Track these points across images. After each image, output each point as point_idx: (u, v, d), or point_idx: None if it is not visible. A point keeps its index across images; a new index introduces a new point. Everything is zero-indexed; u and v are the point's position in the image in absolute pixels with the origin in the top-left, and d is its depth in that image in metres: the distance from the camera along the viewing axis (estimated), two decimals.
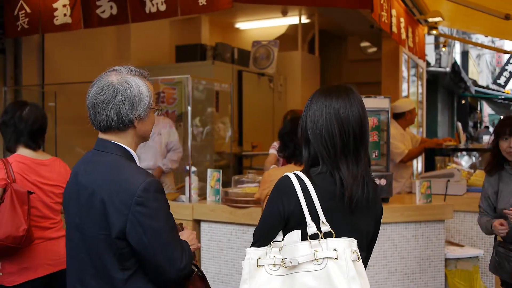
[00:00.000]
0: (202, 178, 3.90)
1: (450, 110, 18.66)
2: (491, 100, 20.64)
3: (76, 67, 5.65)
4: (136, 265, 1.71)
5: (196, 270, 1.87)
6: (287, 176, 1.66)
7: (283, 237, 1.65)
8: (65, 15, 4.29)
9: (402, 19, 5.48)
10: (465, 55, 19.43)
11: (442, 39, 10.33)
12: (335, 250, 1.55)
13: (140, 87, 1.75)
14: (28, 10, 4.46)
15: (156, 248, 1.65)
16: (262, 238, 1.68)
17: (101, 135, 1.78)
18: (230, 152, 5.41)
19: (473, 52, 21.62)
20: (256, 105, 6.65)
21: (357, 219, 1.66)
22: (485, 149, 5.72)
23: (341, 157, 1.62)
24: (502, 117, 3.34)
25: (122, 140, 1.77)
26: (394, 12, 4.99)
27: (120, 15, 4.15)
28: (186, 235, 1.91)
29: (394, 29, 5.02)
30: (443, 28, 11.67)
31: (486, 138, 5.87)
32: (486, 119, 25.97)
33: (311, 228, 1.58)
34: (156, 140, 4.81)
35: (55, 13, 4.32)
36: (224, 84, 5.22)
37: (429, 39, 9.98)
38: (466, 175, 4.97)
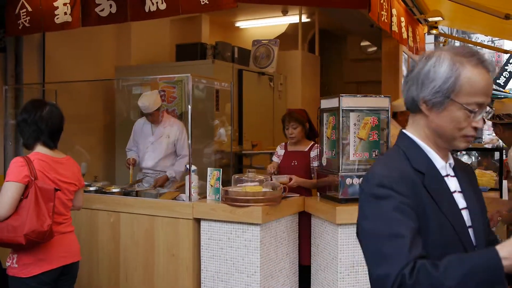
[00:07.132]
0: (202, 177, 3.90)
1: None
2: (491, 100, 20.63)
3: (76, 65, 5.66)
4: None
5: None
6: None
7: None
8: (65, 13, 4.30)
9: (402, 18, 5.48)
10: None
11: (442, 39, 10.33)
12: None
13: (439, 65, 1.39)
14: (30, 9, 4.46)
15: (366, 253, 1.38)
16: None
17: None
18: (230, 151, 5.41)
19: None
20: (256, 104, 6.64)
21: None
22: (484, 148, 5.72)
23: None
24: None
25: (415, 129, 1.51)
26: (394, 11, 4.99)
27: (119, 14, 4.15)
28: None
29: (395, 28, 5.03)
30: (443, 28, 11.66)
31: (486, 138, 5.87)
32: None
33: None
34: (163, 142, 4.81)
35: (56, 12, 4.33)
36: (224, 83, 5.22)
37: (429, 39, 9.98)
38: None
